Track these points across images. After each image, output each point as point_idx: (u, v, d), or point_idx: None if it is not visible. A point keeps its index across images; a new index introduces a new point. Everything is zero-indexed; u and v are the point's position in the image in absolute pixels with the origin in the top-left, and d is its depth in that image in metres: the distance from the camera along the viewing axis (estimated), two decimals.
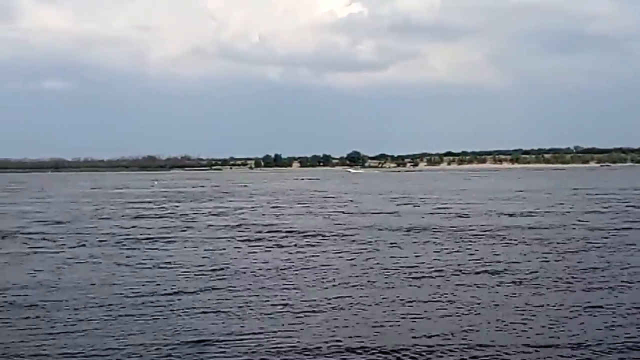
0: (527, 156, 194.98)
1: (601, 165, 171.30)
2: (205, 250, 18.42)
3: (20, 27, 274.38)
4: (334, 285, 12.96)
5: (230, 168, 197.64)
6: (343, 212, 31.74)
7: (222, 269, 15.02)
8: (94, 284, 13.27)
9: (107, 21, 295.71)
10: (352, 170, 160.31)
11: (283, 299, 11.70)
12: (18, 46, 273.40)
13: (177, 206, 38.18)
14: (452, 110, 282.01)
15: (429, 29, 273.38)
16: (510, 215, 28.61)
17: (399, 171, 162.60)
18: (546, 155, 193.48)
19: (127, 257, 17.17)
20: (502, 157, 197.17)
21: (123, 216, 31.01)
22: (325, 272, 14.52)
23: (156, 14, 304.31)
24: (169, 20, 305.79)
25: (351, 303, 11.37)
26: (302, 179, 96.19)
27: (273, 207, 36.21)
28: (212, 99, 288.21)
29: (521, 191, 50.52)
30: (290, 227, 24.29)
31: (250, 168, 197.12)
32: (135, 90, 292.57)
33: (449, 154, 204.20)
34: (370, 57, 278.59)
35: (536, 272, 14.23)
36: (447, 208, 33.32)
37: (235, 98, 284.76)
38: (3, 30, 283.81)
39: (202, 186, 72.63)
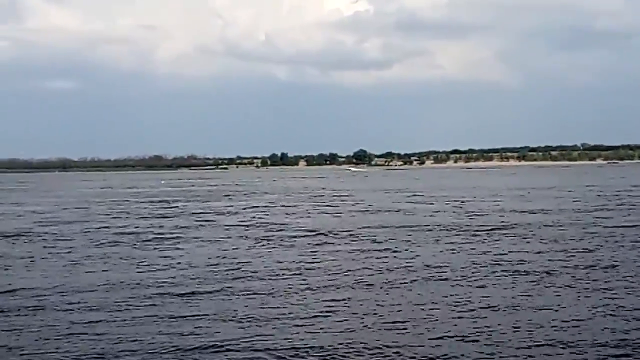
0: (534, 153, 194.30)
1: (608, 162, 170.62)
2: (220, 250, 18.25)
3: (27, 27, 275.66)
4: (350, 286, 12.79)
5: (237, 167, 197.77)
6: (356, 211, 31.59)
7: (237, 269, 14.87)
8: (109, 285, 13.13)
9: (113, 21, 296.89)
10: (353, 169, 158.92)
11: (299, 300, 11.54)
12: (25, 46, 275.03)
13: (187, 205, 38.08)
14: (459, 107, 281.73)
15: (435, 26, 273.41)
16: (523, 212, 28.38)
17: (403, 169, 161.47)
18: (553, 153, 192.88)
19: (141, 257, 17.05)
20: (509, 154, 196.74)
21: (136, 215, 30.91)
22: (340, 272, 14.34)
23: (162, 13, 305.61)
24: (174, 19, 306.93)
25: (370, 304, 11.23)
26: (310, 178, 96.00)
27: (285, 206, 36.09)
28: (218, 97, 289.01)
29: (533, 188, 50.21)
30: (305, 227, 24.12)
31: (257, 167, 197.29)
32: (141, 89, 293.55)
33: (455, 151, 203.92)
34: (376, 55, 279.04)
35: (555, 270, 14.05)
36: (459, 206, 33.11)
37: (241, 97, 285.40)
38: (11, 30, 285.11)
39: (212, 185, 72.53)
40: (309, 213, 30.90)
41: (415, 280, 13.18)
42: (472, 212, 29.25)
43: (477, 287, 12.49)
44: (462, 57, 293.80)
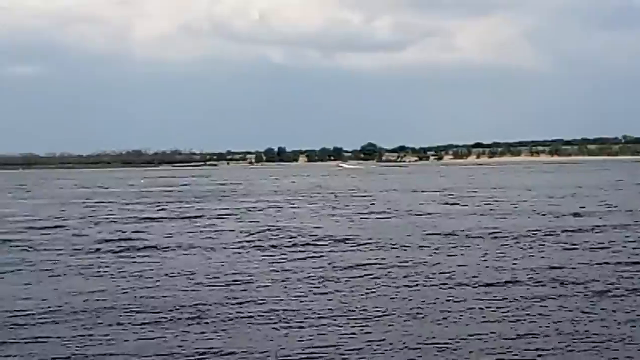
0: (569, 147, 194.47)
1: None
2: (224, 261, 18.01)
3: None
4: (377, 297, 12.67)
5: (228, 163, 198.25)
6: (372, 213, 31.49)
7: (244, 284, 14.68)
8: (98, 305, 12.83)
9: None
10: (345, 165, 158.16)
11: (330, 328, 11.19)
12: None
13: (179, 208, 38.06)
14: (481, 95, 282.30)
15: (454, 3, 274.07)
16: (564, 215, 28.30)
17: (403, 166, 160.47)
18: (590, 146, 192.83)
19: (131, 270, 16.82)
20: (540, 148, 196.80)
21: (123, 219, 30.90)
22: (366, 283, 14.31)
23: None
24: None
25: (401, 316, 11.23)
26: (308, 175, 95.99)
27: (291, 208, 36.10)
28: (205, 84, 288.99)
29: (579, 187, 50.01)
30: (318, 232, 24.00)
31: (251, 163, 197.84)
32: (116, 74, 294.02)
33: (478, 145, 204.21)
34: (387, 36, 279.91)
35: (614, 282, 13.93)
36: (492, 209, 32.97)
37: (232, 83, 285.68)
38: None
39: (205, 184, 72.39)
40: (321, 216, 30.74)
41: (446, 290, 13.16)
42: (508, 215, 29.05)
43: (532, 300, 12.38)
44: (484, 37, 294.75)
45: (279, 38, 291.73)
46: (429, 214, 30.55)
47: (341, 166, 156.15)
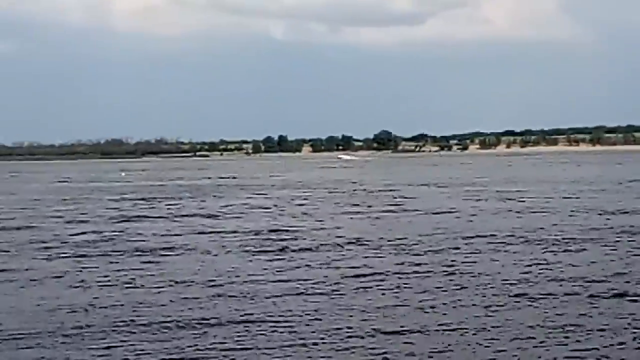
0: (612, 135, 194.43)
1: None
2: (226, 266, 17.90)
3: None
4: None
5: (221, 154, 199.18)
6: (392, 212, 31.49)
7: (248, 294, 14.53)
8: (81, 318, 12.68)
9: None
10: (344, 157, 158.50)
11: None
12: None
13: (169, 204, 38.30)
14: (513, 76, 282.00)
15: None
16: (622, 213, 28.28)
17: (417, 156, 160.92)
18: (637, 134, 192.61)
19: (122, 274, 16.74)
20: (580, 136, 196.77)
21: (106, 218, 31.01)
22: (396, 294, 14.19)
23: None
24: None
25: (444, 334, 11.11)
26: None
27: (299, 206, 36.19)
28: (196, 63, 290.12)
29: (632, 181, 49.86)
30: (335, 233, 24.02)
31: (247, 154, 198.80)
32: (94, 52, 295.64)
33: (508, 133, 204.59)
34: (404, 6, 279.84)
35: None
36: (534, 205, 32.92)
37: (226, 62, 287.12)
38: None
39: (206, 177, 72.59)
40: (337, 215, 30.69)
41: (509, 308, 12.96)
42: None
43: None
44: (516, 8, 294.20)
45: (280, 10, 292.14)
46: (460, 211, 30.58)
47: (340, 157, 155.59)
